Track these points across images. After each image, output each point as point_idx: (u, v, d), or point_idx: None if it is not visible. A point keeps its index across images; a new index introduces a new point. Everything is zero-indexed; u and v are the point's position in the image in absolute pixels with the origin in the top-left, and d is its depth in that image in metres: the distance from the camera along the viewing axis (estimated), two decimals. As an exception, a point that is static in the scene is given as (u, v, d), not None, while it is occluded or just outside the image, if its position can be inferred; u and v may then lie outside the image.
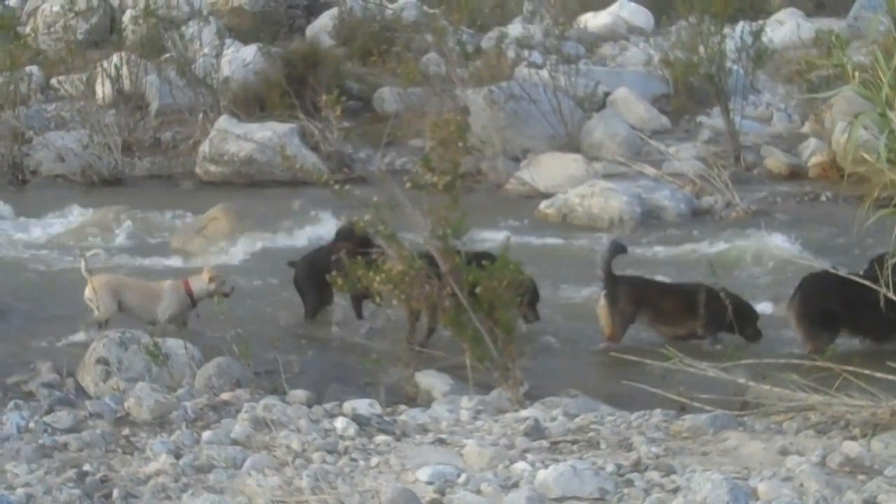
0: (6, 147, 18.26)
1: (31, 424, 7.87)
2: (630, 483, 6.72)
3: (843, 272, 9.13)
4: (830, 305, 9.31)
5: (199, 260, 13.55)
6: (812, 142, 17.15)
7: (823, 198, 15.63)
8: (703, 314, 10.53)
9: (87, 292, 10.60)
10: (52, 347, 9.80)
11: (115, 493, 6.67)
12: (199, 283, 10.61)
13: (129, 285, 10.96)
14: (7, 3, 25.14)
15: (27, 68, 20.23)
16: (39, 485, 6.77)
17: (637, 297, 10.65)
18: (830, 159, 16.21)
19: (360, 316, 11.01)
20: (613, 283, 10.61)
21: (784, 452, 7.21)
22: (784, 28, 21.38)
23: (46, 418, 7.99)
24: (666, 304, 10.69)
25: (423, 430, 7.79)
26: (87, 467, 7.06)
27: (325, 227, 14.30)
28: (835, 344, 9.81)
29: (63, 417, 7.98)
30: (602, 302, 10.68)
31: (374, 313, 10.83)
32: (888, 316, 7.83)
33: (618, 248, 10.96)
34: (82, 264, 10.84)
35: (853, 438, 7.41)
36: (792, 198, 15.86)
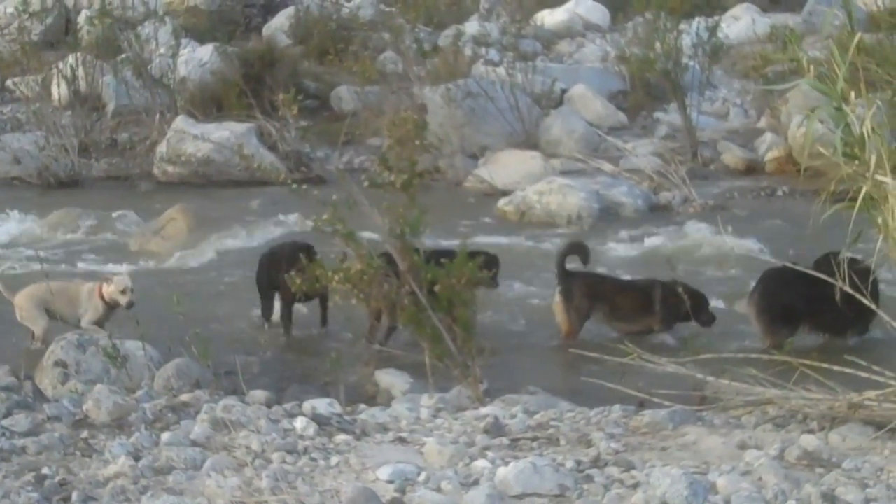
0: (-39, 150, 18.22)
1: (-11, 428, 7.85)
2: (590, 479, 6.74)
3: (800, 267, 9.16)
4: (790, 301, 9.35)
5: (152, 261, 13.52)
6: (768, 137, 17.23)
7: (780, 192, 15.72)
8: (658, 310, 10.58)
9: (17, 314, 10.51)
10: (8, 350, 9.73)
11: (75, 495, 6.64)
12: (108, 290, 10.45)
13: (53, 290, 10.65)
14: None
15: (-19, 70, 20.17)
16: (-2, 489, 6.75)
17: (592, 293, 10.68)
18: (787, 154, 16.29)
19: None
20: (568, 279, 10.64)
21: (743, 447, 7.24)
22: (740, 24, 21.44)
23: (4, 422, 7.95)
24: (621, 300, 10.73)
25: (384, 428, 7.79)
26: (45, 470, 7.03)
27: (283, 227, 14.30)
28: (793, 339, 9.89)
29: (21, 421, 7.94)
30: (557, 299, 10.71)
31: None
32: (845, 311, 7.86)
33: (574, 248, 10.99)
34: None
35: (811, 432, 7.46)
36: (749, 193, 15.95)
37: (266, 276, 11.00)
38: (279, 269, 10.33)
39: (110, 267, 13.46)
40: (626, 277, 11.62)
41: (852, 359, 7.81)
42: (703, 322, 10.70)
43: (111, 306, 10.45)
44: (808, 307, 9.09)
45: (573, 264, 10.96)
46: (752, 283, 10.63)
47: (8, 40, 21.00)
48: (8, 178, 17.81)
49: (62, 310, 10.56)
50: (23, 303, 10.37)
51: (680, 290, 10.50)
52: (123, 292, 10.34)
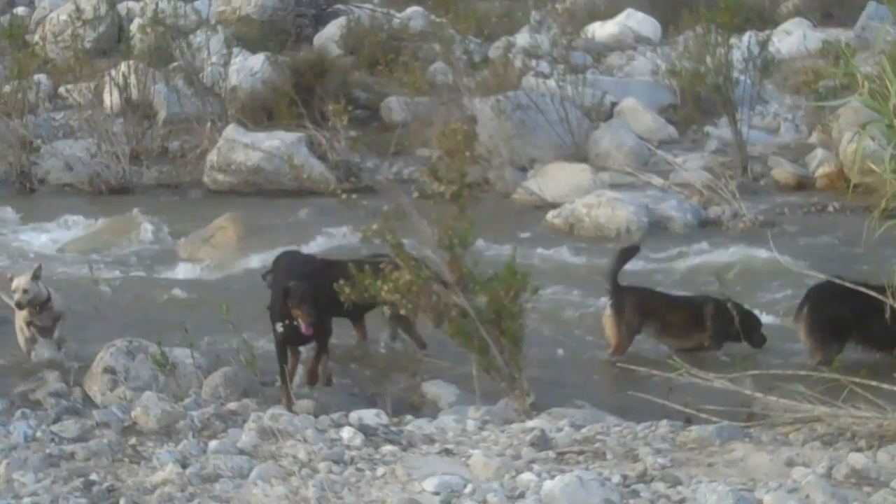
0: (14, 156, 18.29)
1: (39, 433, 7.90)
2: (636, 494, 6.73)
3: (846, 282, 9.12)
4: (839, 315, 9.30)
5: (201, 269, 13.57)
6: (819, 152, 17.14)
7: (831, 208, 15.63)
8: (710, 326, 10.54)
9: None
10: (58, 356, 9.78)
11: (122, 502, 6.70)
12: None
13: None
14: (15, 11, 25.19)
15: (35, 77, 20.26)
16: (46, 494, 6.80)
17: (644, 308, 10.64)
18: (838, 170, 16.22)
19: None
20: (620, 294, 10.61)
21: (790, 464, 7.22)
22: (791, 38, 21.38)
23: (53, 427, 8.01)
24: (673, 316, 10.69)
25: (430, 440, 7.80)
26: (93, 476, 7.08)
27: (332, 237, 14.32)
28: (842, 355, 9.83)
29: (70, 426, 8.00)
30: (608, 313, 10.68)
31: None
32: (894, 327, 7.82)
33: (628, 254, 10.96)
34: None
35: (859, 450, 7.42)
36: (799, 208, 15.87)
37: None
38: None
39: (161, 274, 13.55)
40: (677, 293, 11.56)
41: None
42: (754, 343, 10.66)
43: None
44: (857, 322, 9.02)
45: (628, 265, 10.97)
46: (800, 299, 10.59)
47: (61, 47, 21.10)
48: (60, 185, 17.91)
49: None
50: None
51: (731, 308, 10.49)
52: (15, 291, 10.21)
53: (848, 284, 8.94)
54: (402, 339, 10.48)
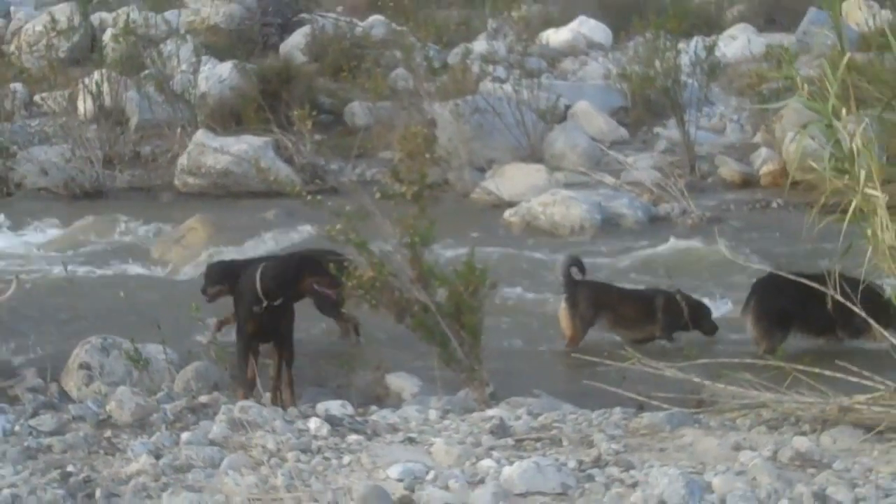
0: (-9, 162, 18.28)
1: (17, 428, 7.86)
2: (591, 478, 6.75)
3: (790, 274, 9.17)
4: (782, 306, 9.36)
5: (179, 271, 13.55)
6: (763, 151, 17.22)
7: (774, 205, 15.71)
8: (660, 318, 10.59)
9: None
10: (35, 353, 9.75)
11: (98, 492, 6.66)
12: None
13: None
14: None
15: (11, 86, 20.23)
16: (24, 485, 6.76)
17: (597, 302, 10.68)
18: (781, 168, 16.29)
19: None
20: (574, 288, 10.65)
21: (737, 448, 7.25)
22: (736, 43, 21.48)
23: (31, 421, 7.98)
24: (625, 308, 10.72)
25: (394, 429, 7.81)
26: (70, 468, 7.05)
27: (297, 236, 14.30)
28: (786, 344, 9.89)
29: (47, 420, 7.97)
30: (563, 306, 10.71)
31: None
32: (834, 315, 7.88)
33: (574, 262, 10.99)
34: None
35: (803, 434, 7.46)
36: (744, 205, 15.95)
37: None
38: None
39: (134, 273, 13.52)
40: (629, 286, 11.59)
41: (843, 364, 7.82)
42: (705, 331, 10.74)
43: None
44: (800, 311, 9.08)
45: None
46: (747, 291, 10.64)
47: (36, 57, 21.05)
48: (35, 189, 17.88)
49: None
50: None
51: (681, 299, 10.55)
52: None
53: (790, 277, 8.98)
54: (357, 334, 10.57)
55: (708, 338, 10.76)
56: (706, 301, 11.25)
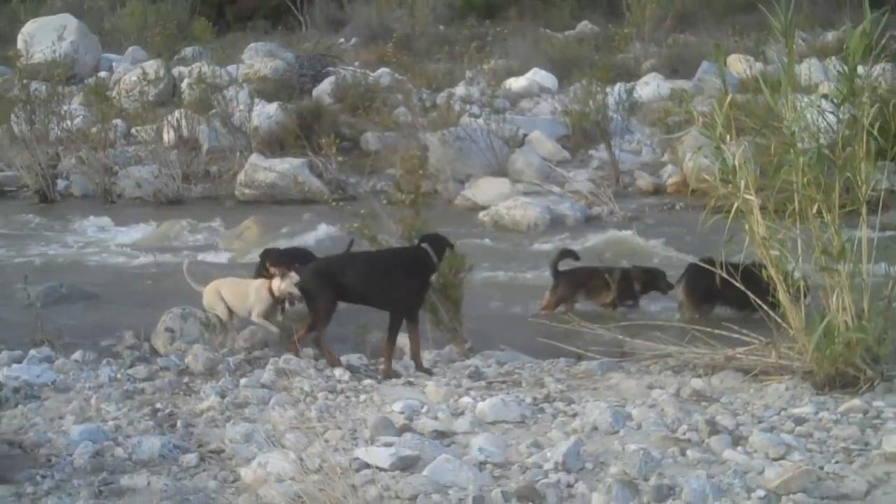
0: (100, 177, 18.25)
1: (118, 375, 7.88)
2: (542, 410, 6.77)
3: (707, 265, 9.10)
4: (708, 285, 9.27)
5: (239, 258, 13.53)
6: (669, 167, 17.25)
7: (677, 207, 15.74)
8: (615, 288, 10.46)
9: (203, 303, 9.33)
10: (133, 320, 9.72)
11: (179, 423, 6.68)
12: (279, 286, 8.97)
13: (227, 285, 9.32)
14: (99, 75, 25.07)
15: (114, 121, 20.18)
16: (125, 418, 6.78)
17: (573, 283, 10.61)
18: (682, 179, 16.29)
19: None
20: (558, 277, 10.59)
21: (651, 387, 7.27)
22: (649, 87, 21.45)
23: (129, 371, 8.00)
24: (593, 282, 10.60)
25: (397, 375, 7.82)
26: (158, 405, 7.08)
27: (325, 233, 14.30)
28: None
29: (141, 370, 7.99)
30: (550, 288, 10.63)
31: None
32: (746, 293, 7.84)
33: (567, 253, 10.92)
34: (189, 279, 9.52)
35: (699, 376, 7.48)
36: (656, 207, 15.97)
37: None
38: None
39: (206, 260, 13.49)
40: (596, 265, 11.33)
41: (728, 325, 7.83)
42: (661, 289, 10.68)
43: (278, 301, 9.11)
44: (721, 289, 8.99)
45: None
46: (679, 274, 10.56)
47: (132, 100, 20.99)
48: (132, 198, 17.87)
49: (233, 302, 9.10)
50: (206, 295, 9.29)
51: (635, 272, 10.52)
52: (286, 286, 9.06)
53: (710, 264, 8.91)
54: None
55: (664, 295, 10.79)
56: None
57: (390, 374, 7.82)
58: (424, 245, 8.30)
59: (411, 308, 8.17)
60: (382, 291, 8.16)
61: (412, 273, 8.20)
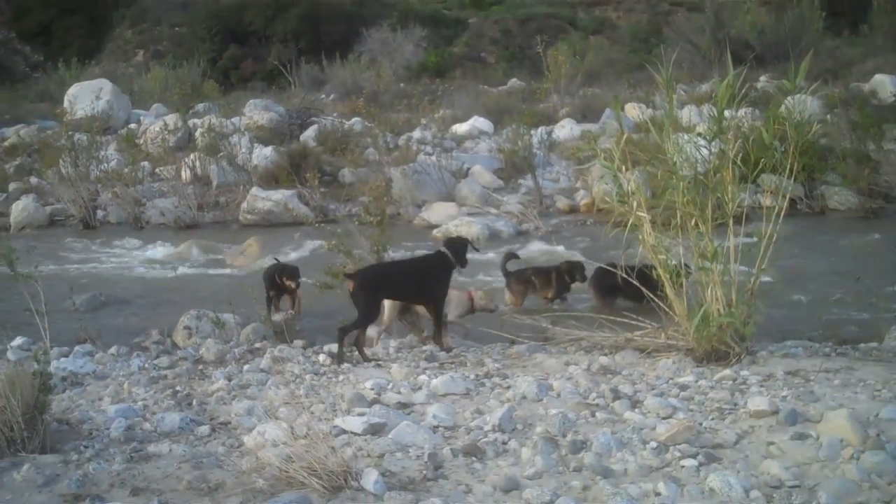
0: (131, 208, 18.11)
1: (146, 365, 7.82)
2: (483, 385, 6.78)
3: (611, 267, 9.10)
4: (611, 283, 9.26)
5: (243, 270, 13.44)
6: (581, 191, 17.31)
7: (588, 223, 15.80)
8: (555, 283, 10.32)
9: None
10: (158, 321, 9.65)
11: (194, 402, 6.64)
12: (478, 299, 9.06)
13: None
14: (130, 126, 24.90)
15: (142, 163, 20.04)
16: (151, 399, 6.73)
17: (521, 280, 10.43)
18: (592, 201, 16.39)
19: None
20: (508, 276, 10.42)
21: (567, 364, 7.30)
22: (564, 129, 21.49)
23: (155, 361, 7.96)
24: (539, 279, 10.44)
25: (368, 359, 7.79)
26: (178, 388, 7.03)
27: (310, 248, 14.22)
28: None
29: (164, 360, 7.94)
30: (506, 286, 10.44)
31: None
32: (641, 289, 7.87)
33: (511, 255, 10.77)
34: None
35: (605, 355, 7.52)
36: (571, 224, 16.01)
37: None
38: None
39: (216, 272, 13.38)
40: (542, 265, 11.19)
41: (628, 314, 7.88)
42: (581, 279, 10.34)
43: (472, 310, 9.03)
44: (623, 286, 8.97)
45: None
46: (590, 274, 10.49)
47: (156, 146, 20.85)
48: (157, 224, 17.71)
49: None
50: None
51: (563, 269, 10.34)
52: (484, 300, 9.12)
53: (613, 267, 8.91)
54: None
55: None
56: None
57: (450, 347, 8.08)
58: (444, 250, 8.37)
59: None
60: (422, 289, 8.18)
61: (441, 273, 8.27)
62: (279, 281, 9.87)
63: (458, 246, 8.48)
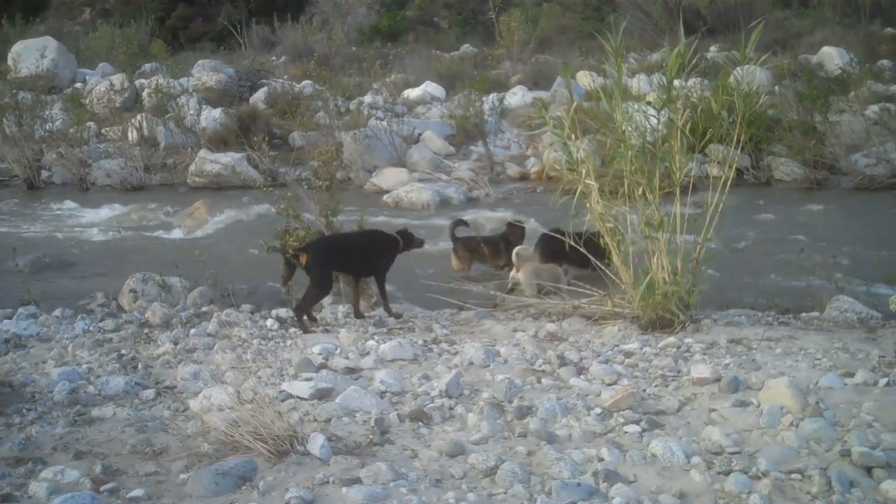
0: (76, 169, 17.79)
1: (91, 328, 7.73)
2: (431, 350, 6.80)
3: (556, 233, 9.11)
4: (557, 249, 9.26)
5: (190, 233, 13.32)
6: (532, 159, 17.32)
7: (538, 190, 15.83)
8: (503, 251, 10.20)
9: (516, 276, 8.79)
10: (104, 284, 9.53)
11: (139, 365, 6.58)
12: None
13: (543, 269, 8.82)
14: (75, 86, 24.43)
15: (87, 123, 19.68)
16: (96, 362, 6.66)
17: (468, 248, 10.35)
18: (542, 168, 16.40)
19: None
20: (456, 242, 10.33)
21: (515, 330, 7.34)
22: (516, 97, 21.47)
23: (100, 324, 7.87)
24: (487, 248, 10.36)
25: (316, 324, 7.77)
26: (123, 352, 6.96)
27: (257, 212, 14.11)
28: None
29: (109, 323, 7.85)
30: (452, 252, 10.34)
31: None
32: (586, 256, 7.93)
33: (459, 222, 10.65)
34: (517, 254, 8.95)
35: (552, 321, 7.57)
36: (522, 191, 16.04)
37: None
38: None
39: (163, 235, 13.23)
40: (488, 234, 11.17)
41: (575, 281, 7.94)
42: (521, 241, 10.21)
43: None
44: (567, 252, 8.98)
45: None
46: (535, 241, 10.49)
47: (102, 106, 20.47)
48: (103, 186, 17.43)
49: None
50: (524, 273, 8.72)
51: (509, 231, 10.17)
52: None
53: (557, 233, 8.94)
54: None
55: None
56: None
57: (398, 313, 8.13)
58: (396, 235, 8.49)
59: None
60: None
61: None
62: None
63: (409, 236, 8.62)
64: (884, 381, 5.53)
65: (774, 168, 15.58)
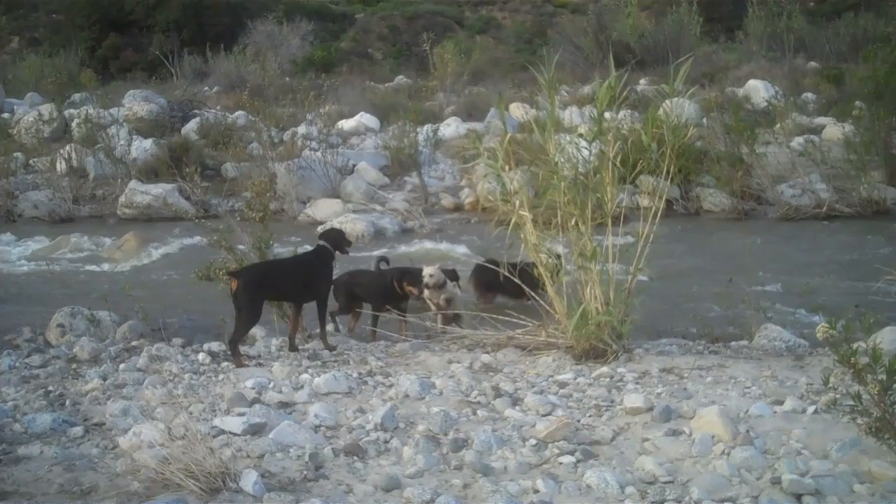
0: (2, 200, 17.57)
1: (17, 364, 7.56)
2: (366, 383, 6.75)
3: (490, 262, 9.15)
4: (491, 279, 9.28)
5: (120, 266, 13.11)
6: (466, 190, 17.42)
7: (472, 221, 15.89)
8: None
9: None
10: (30, 318, 9.33)
11: (67, 402, 6.44)
12: None
13: None
14: (2, 116, 24.01)
15: (14, 154, 19.33)
16: (22, 399, 6.51)
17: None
18: (476, 199, 16.47)
19: None
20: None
21: (450, 362, 7.33)
22: (450, 128, 21.60)
23: (26, 360, 7.70)
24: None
25: (249, 357, 7.68)
26: (50, 388, 6.81)
27: (191, 244, 13.95)
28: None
29: (36, 359, 7.69)
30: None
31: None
32: (522, 286, 7.96)
33: (382, 259, 10.55)
34: None
35: (487, 353, 7.58)
36: (456, 221, 16.10)
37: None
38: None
39: (91, 268, 13.00)
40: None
41: (510, 312, 7.97)
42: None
43: None
44: (500, 283, 9.00)
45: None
46: (469, 272, 10.46)
47: (30, 136, 20.14)
48: (30, 217, 17.15)
49: None
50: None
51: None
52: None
53: (491, 264, 8.98)
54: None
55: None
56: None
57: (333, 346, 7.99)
58: (322, 242, 8.19)
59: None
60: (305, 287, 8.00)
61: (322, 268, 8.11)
62: (398, 289, 8.85)
63: (335, 234, 8.35)
64: (812, 408, 5.63)
65: (703, 199, 15.87)
